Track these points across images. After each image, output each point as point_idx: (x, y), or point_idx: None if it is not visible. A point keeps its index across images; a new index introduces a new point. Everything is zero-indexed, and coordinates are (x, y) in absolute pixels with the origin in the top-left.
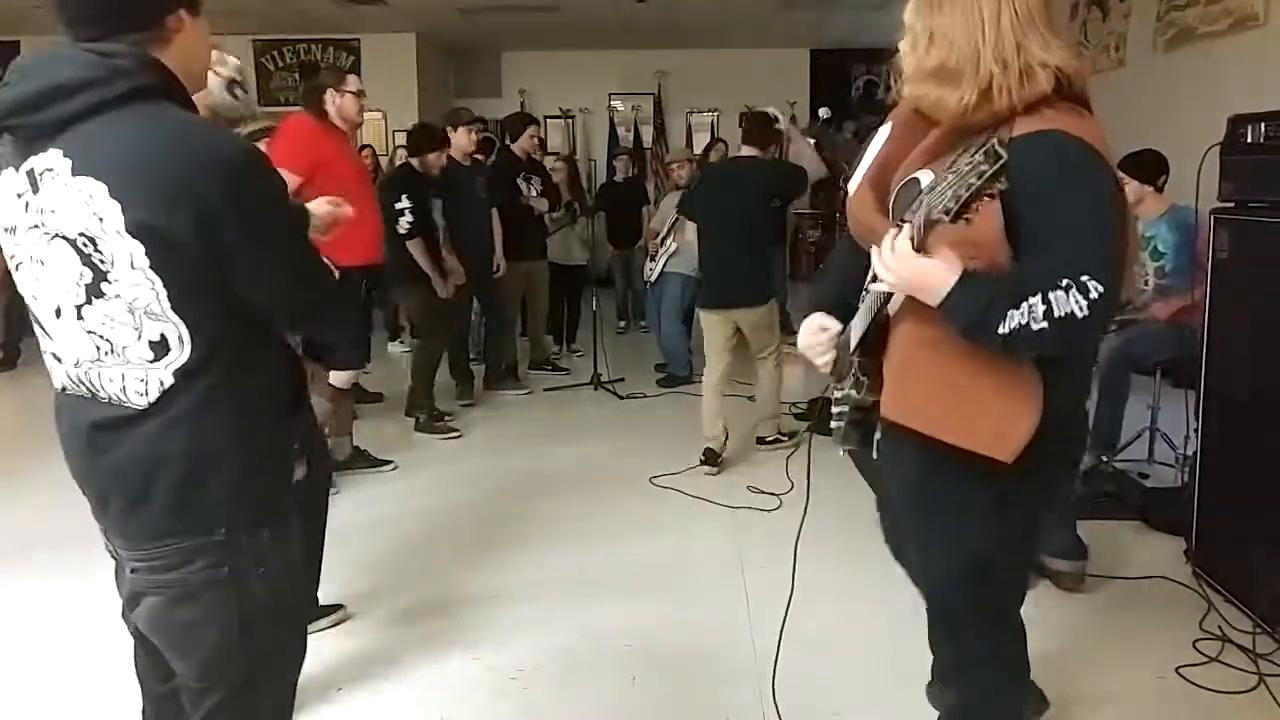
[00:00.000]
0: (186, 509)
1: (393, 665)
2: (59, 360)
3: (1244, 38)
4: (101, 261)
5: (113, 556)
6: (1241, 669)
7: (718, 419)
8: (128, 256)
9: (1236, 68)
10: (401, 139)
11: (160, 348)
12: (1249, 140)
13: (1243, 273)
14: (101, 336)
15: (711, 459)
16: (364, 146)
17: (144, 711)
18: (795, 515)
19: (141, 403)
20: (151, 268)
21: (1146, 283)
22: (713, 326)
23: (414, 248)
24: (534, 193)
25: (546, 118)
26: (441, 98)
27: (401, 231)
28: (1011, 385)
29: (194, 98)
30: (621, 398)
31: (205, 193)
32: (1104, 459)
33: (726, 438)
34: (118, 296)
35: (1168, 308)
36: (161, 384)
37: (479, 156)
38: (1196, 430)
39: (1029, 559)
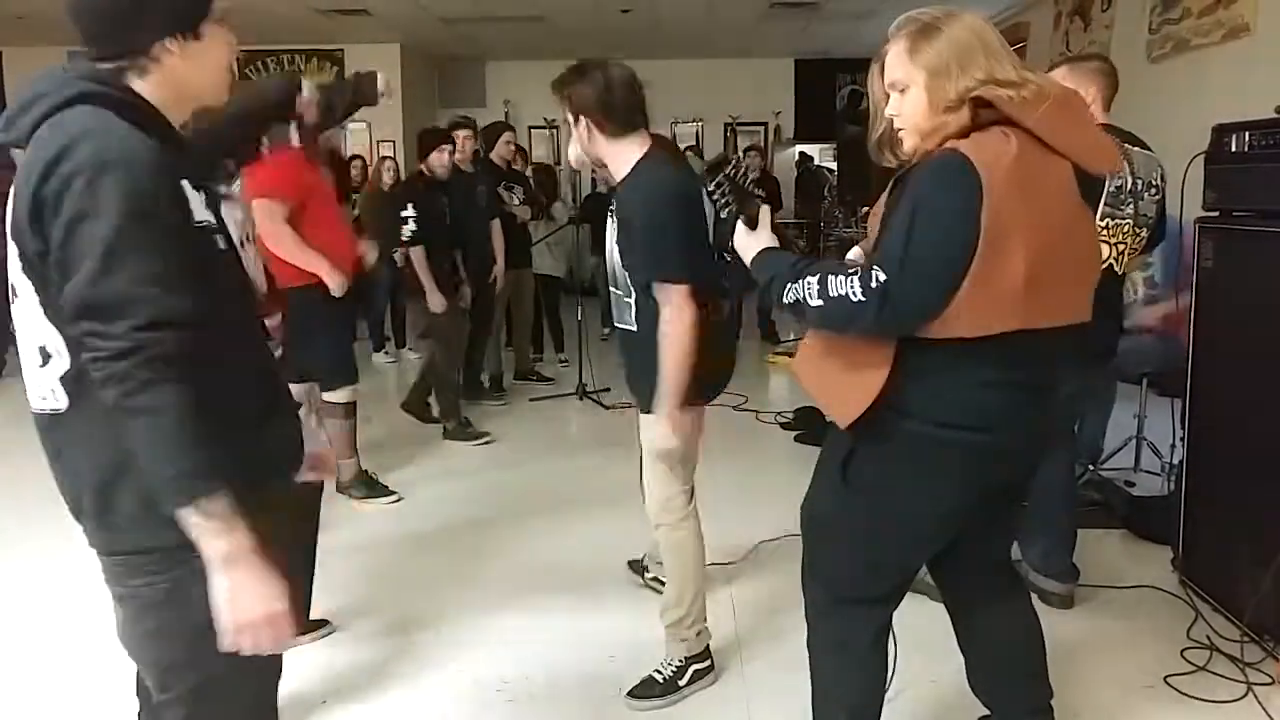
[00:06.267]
0: (104, 524)
1: (378, 678)
2: None
3: (1229, 47)
4: (9, 261)
5: None
6: (1229, 678)
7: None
8: (12, 259)
9: (1221, 77)
10: (386, 149)
11: (43, 354)
12: (1233, 149)
13: (1227, 281)
14: (16, 336)
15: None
16: (354, 156)
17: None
18: (786, 523)
19: (44, 407)
20: (23, 271)
21: (1136, 292)
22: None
23: (415, 255)
24: (516, 201)
25: (531, 128)
26: (426, 108)
27: (405, 239)
28: (859, 367)
29: None
30: (607, 408)
31: (47, 194)
32: (1090, 468)
33: None
34: (18, 298)
35: (1155, 314)
36: (54, 392)
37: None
38: (1182, 439)
39: (878, 556)
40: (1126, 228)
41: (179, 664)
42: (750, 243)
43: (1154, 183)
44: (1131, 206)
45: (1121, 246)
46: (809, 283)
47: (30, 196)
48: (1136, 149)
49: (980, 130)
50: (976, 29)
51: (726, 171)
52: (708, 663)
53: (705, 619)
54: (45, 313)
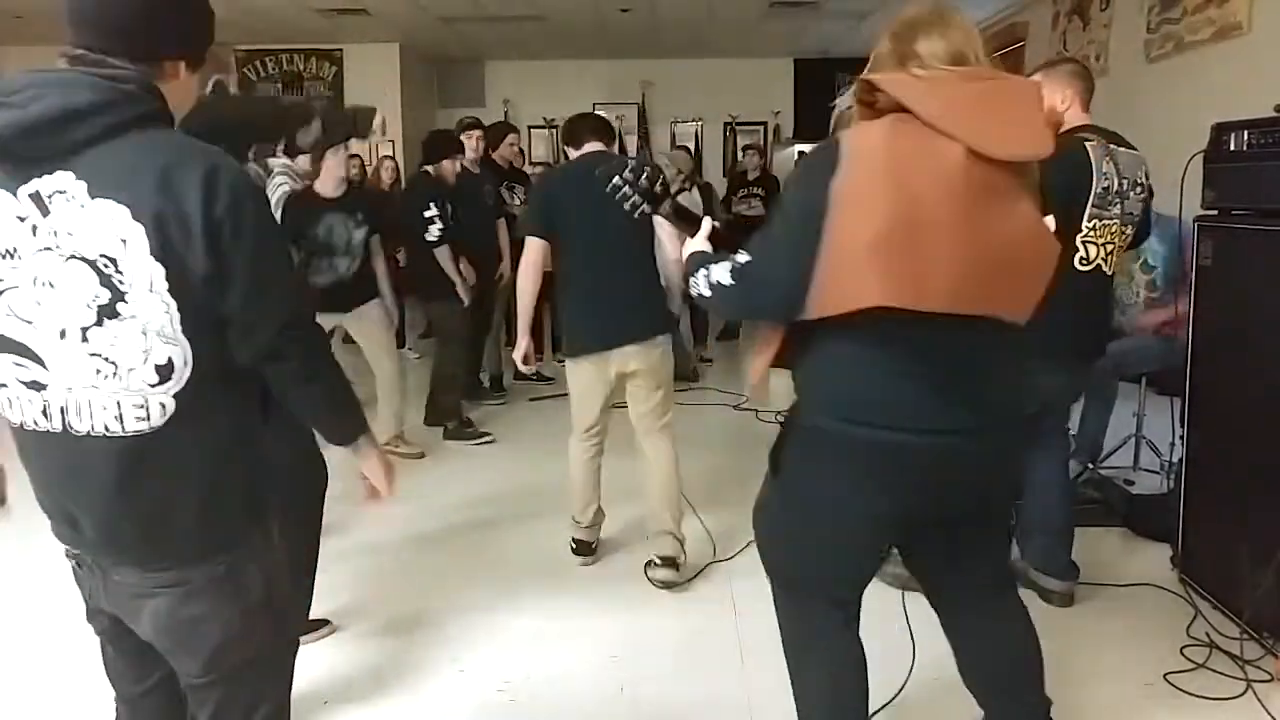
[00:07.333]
0: (206, 526)
1: (379, 678)
2: (39, 389)
3: (1227, 46)
4: (121, 283)
5: (79, 564)
6: (1229, 675)
7: (593, 502)
8: (148, 279)
9: (1220, 76)
10: (385, 149)
11: (166, 370)
12: (1232, 148)
13: (1226, 280)
14: (106, 359)
15: (586, 550)
16: (352, 155)
17: (118, 714)
18: None
19: (142, 428)
20: (169, 291)
21: (1137, 295)
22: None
23: (441, 255)
24: (517, 201)
25: (530, 128)
26: (425, 108)
27: (431, 239)
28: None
29: None
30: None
31: (222, 219)
32: (1090, 466)
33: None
34: (133, 318)
35: (1155, 319)
36: (163, 408)
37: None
38: (1182, 437)
39: (799, 551)
40: (1114, 227)
41: (230, 643)
42: (686, 250)
43: (1139, 181)
44: (1118, 206)
45: (1110, 246)
46: (703, 274)
47: (201, 218)
48: (1121, 149)
49: (880, 117)
50: (909, 17)
51: (631, 167)
52: (584, 551)
53: (582, 522)
54: (185, 330)
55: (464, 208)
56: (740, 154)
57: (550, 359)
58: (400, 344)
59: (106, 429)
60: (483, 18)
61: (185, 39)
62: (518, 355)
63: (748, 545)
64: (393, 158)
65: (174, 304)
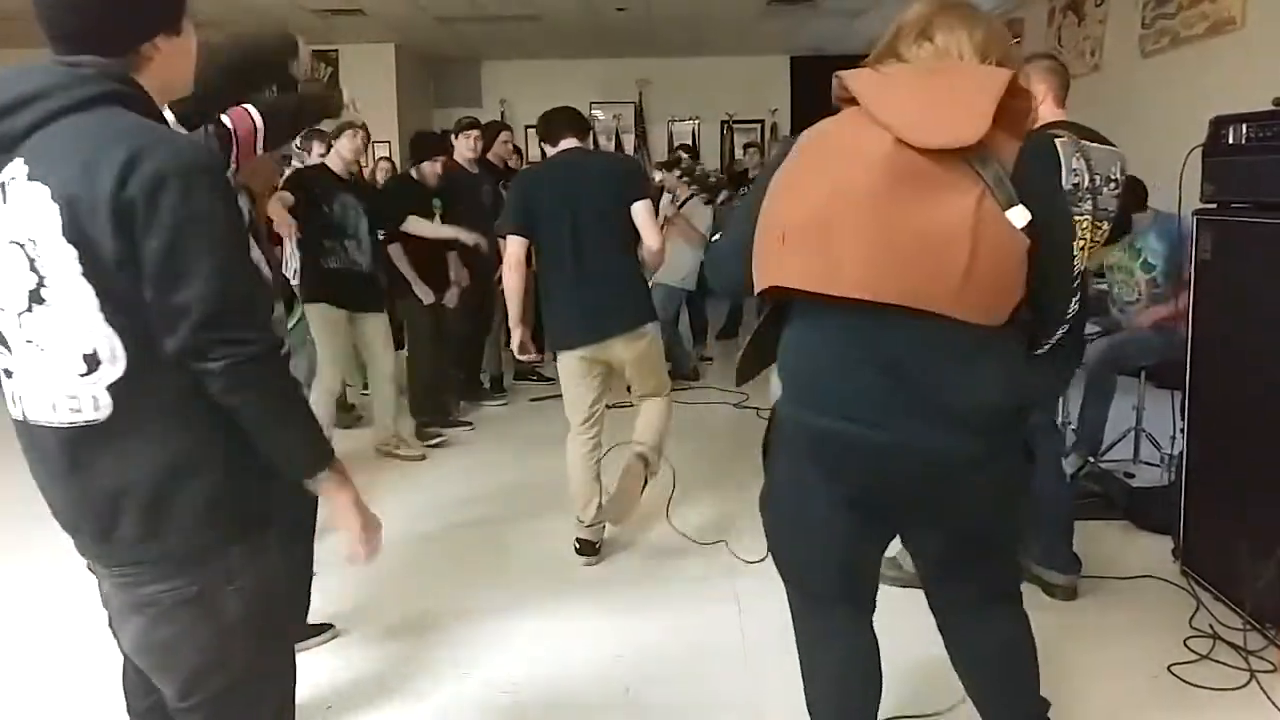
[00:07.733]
0: (153, 535)
1: (384, 682)
2: (8, 376)
3: (1222, 41)
4: (42, 267)
5: (92, 571)
6: (1232, 666)
7: (593, 498)
8: (64, 263)
9: (1215, 70)
10: (383, 150)
11: (92, 360)
12: (1230, 141)
13: (1226, 273)
14: (38, 346)
15: (589, 550)
16: (382, 157)
17: None
18: None
19: (75, 419)
20: (84, 275)
21: (1139, 293)
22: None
23: (393, 253)
24: None
25: (527, 127)
26: (421, 108)
27: (380, 238)
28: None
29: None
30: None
31: (133, 199)
32: (1090, 460)
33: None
34: (56, 303)
35: (1153, 316)
36: (95, 401)
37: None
38: (1182, 430)
39: (775, 542)
40: (1085, 223)
41: (205, 668)
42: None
43: (1113, 177)
44: (1090, 202)
45: (1081, 242)
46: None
47: (110, 200)
48: (1095, 144)
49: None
50: (901, 21)
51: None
52: (588, 551)
53: (584, 521)
54: (107, 318)
55: (461, 208)
56: (742, 151)
57: (550, 359)
58: (400, 345)
59: (44, 418)
60: (479, 17)
61: (155, 21)
62: (514, 344)
63: (754, 544)
64: (389, 158)
65: (91, 289)
